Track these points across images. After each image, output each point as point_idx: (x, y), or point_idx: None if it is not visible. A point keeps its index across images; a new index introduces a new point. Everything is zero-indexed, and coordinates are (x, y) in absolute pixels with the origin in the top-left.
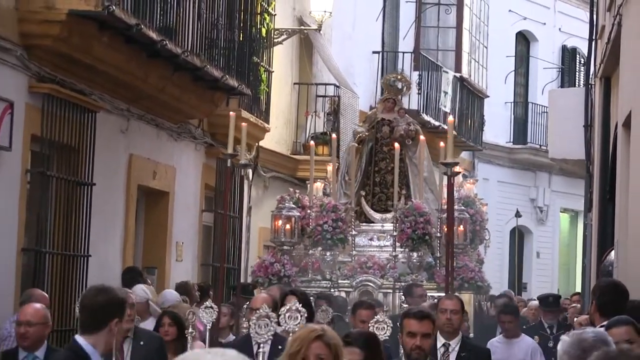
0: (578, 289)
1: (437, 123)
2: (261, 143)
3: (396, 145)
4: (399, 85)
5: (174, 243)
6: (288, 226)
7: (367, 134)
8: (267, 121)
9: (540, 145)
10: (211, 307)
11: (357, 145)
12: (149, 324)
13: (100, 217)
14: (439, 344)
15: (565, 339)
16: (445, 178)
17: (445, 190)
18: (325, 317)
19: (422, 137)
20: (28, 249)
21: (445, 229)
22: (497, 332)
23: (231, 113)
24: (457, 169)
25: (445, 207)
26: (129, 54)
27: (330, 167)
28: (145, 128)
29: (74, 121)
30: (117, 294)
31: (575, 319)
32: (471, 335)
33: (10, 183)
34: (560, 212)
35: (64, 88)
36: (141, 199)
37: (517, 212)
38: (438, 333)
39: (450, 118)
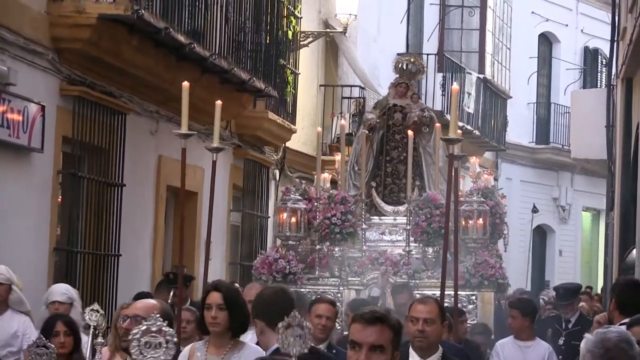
0: (600, 287)
1: (460, 124)
2: (288, 144)
3: (409, 132)
4: (412, 69)
5: (203, 242)
6: (293, 219)
7: (377, 121)
8: (294, 122)
9: (563, 145)
10: (97, 311)
11: (367, 132)
12: None
13: (130, 217)
14: None
15: (589, 337)
16: (460, 169)
17: (461, 181)
18: None
19: (437, 125)
20: (60, 248)
21: (463, 223)
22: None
23: (217, 102)
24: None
25: (464, 199)
26: (157, 57)
27: (338, 157)
28: (174, 129)
29: (104, 123)
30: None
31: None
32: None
33: (42, 184)
34: (583, 211)
35: (94, 90)
36: (170, 199)
37: (534, 207)
38: (410, 349)
39: (455, 86)
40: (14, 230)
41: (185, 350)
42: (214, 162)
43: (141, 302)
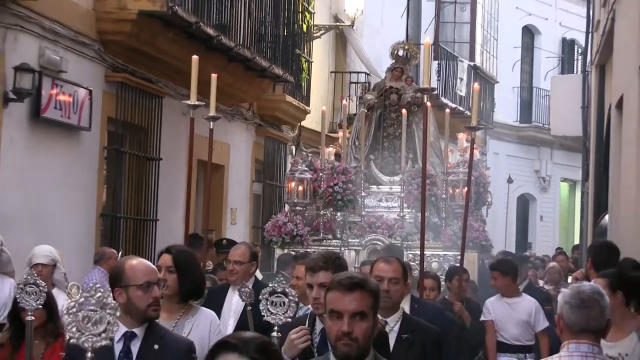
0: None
1: (453, 105)
2: (303, 123)
3: (403, 111)
4: (406, 55)
5: (229, 209)
6: (301, 188)
7: (376, 101)
8: (308, 104)
9: (544, 124)
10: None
11: (366, 111)
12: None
13: (166, 187)
14: None
15: (565, 291)
16: (449, 144)
17: (450, 155)
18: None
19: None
20: (106, 214)
21: (451, 191)
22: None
23: (213, 75)
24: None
25: (452, 170)
26: (189, 47)
27: (341, 133)
28: (203, 111)
29: (143, 105)
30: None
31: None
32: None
33: (90, 159)
34: (561, 181)
35: (135, 77)
36: (200, 171)
37: (509, 178)
38: None
39: (476, 85)
40: (65, 199)
41: None
42: (211, 131)
43: (143, 264)
